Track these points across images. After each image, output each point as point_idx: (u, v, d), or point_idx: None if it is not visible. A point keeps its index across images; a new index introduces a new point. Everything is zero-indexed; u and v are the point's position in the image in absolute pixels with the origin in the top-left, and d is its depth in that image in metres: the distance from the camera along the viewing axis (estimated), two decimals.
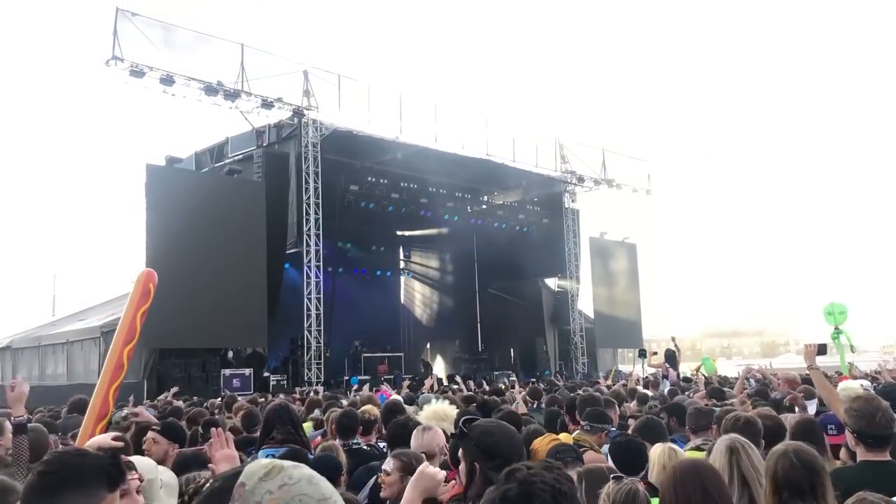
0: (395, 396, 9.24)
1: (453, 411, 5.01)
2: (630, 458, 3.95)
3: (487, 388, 13.98)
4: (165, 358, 18.72)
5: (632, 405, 8.27)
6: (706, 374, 15.36)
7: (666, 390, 11.04)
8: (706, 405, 6.96)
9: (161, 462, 4.26)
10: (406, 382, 15.94)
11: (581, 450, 4.75)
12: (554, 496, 1.99)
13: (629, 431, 4.97)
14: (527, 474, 2.06)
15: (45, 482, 2.09)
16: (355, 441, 5.60)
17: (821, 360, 5.92)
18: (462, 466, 2.91)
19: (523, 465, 2.15)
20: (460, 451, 2.96)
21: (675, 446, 3.90)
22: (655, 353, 16.69)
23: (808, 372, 5.89)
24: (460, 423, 3.01)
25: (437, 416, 4.96)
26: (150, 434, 4.68)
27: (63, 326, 23.09)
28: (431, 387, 13.00)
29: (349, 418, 5.80)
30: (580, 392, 9.09)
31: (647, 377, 18.45)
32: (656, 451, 3.73)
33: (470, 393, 11.02)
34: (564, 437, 4.93)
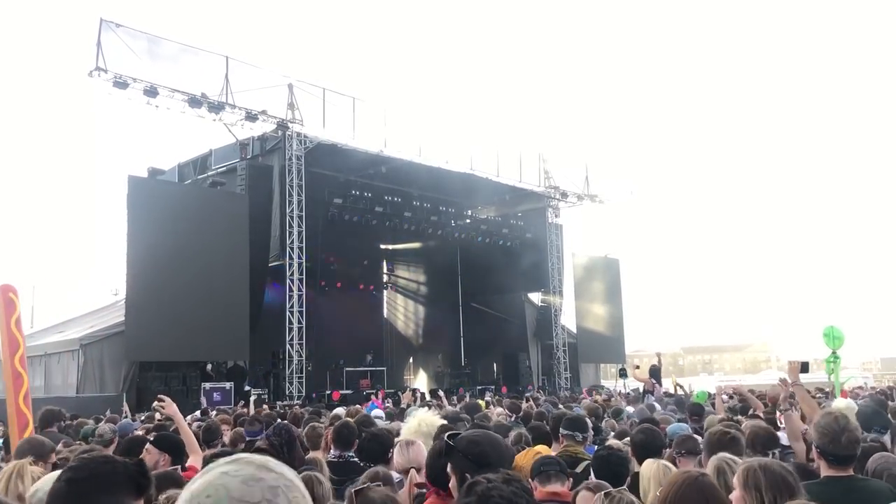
0: (377, 411, 9.25)
1: (437, 422, 5.04)
2: (612, 472, 3.94)
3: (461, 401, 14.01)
4: (145, 371, 18.56)
5: (610, 421, 8.30)
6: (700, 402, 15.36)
7: (651, 402, 11.11)
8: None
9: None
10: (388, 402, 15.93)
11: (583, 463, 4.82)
12: None
13: (628, 441, 4.98)
14: (485, 487, 2.09)
15: (75, 489, 2.08)
16: (350, 454, 5.57)
17: (803, 377, 5.99)
18: (452, 482, 2.92)
19: (483, 477, 2.16)
20: (449, 466, 2.97)
21: (668, 463, 3.90)
22: (638, 367, 16.75)
23: (791, 387, 5.95)
24: (445, 439, 3.05)
25: (420, 428, 4.97)
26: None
27: (41, 339, 22.78)
28: (414, 400, 12.99)
29: (349, 430, 5.75)
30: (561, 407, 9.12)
31: (628, 392, 18.57)
32: (650, 468, 3.72)
33: (451, 408, 11.00)
34: (543, 449, 4.94)
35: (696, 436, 5.34)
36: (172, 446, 4.86)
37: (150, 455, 4.60)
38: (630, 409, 10.49)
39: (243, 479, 1.28)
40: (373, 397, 14.30)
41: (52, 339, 21.82)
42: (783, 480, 2.78)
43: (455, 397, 18.53)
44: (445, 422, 5.39)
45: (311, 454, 5.75)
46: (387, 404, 14.62)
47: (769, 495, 2.73)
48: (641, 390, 14.99)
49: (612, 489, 3.07)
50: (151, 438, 4.95)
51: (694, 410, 8.10)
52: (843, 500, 3.32)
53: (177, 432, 5.37)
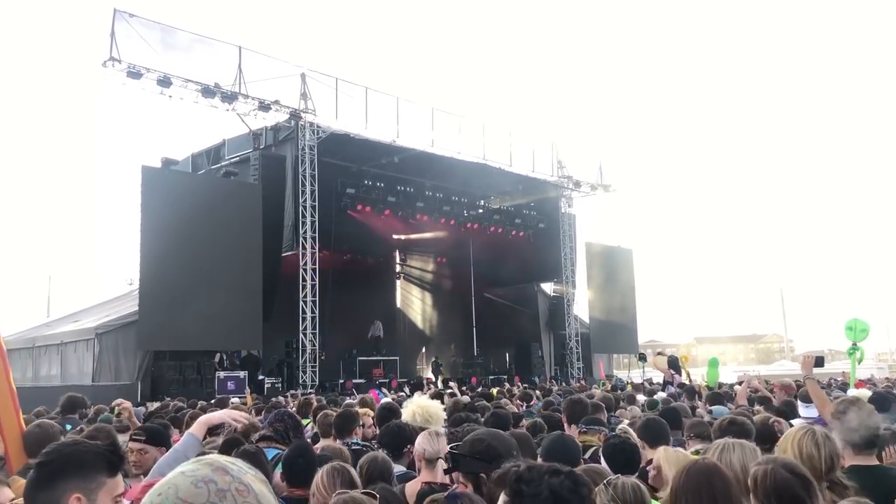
0: (385, 399, 9.27)
1: (433, 410, 5.08)
2: (624, 460, 4.05)
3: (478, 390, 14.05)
4: (160, 360, 18.68)
5: (632, 410, 8.28)
6: (709, 384, 15.35)
7: (667, 394, 11.10)
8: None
9: (149, 470, 4.19)
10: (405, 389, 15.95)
11: (591, 449, 4.98)
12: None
13: (633, 432, 5.05)
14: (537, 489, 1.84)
15: (44, 473, 2.15)
16: (354, 441, 5.61)
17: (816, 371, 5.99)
18: (469, 489, 2.91)
19: (530, 469, 1.94)
20: (460, 476, 2.99)
21: (681, 449, 3.93)
22: (661, 354, 16.50)
23: (804, 380, 5.97)
24: (449, 453, 3.05)
25: (415, 418, 5.01)
26: (133, 444, 4.39)
27: (57, 328, 23.00)
28: (427, 390, 13.06)
29: (342, 419, 5.83)
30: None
31: (642, 383, 18.52)
32: (664, 453, 3.73)
33: (463, 396, 11.03)
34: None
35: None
36: (165, 437, 4.70)
37: (149, 454, 4.31)
38: (641, 397, 10.47)
39: (194, 481, 1.29)
40: (372, 389, 14.30)
41: (67, 328, 22.01)
42: (792, 494, 2.73)
43: (466, 387, 18.56)
44: (443, 411, 5.43)
45: (322, 442, 5.78)
46: (401, 394, 14.64)
47: None
48: (662, 380, 14.96)
49: (611, 477, 3.06)
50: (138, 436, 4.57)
51: (714, 400, 8.10)
52: (867, 487, 3.29)
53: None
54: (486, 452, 2.88)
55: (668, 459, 3.67)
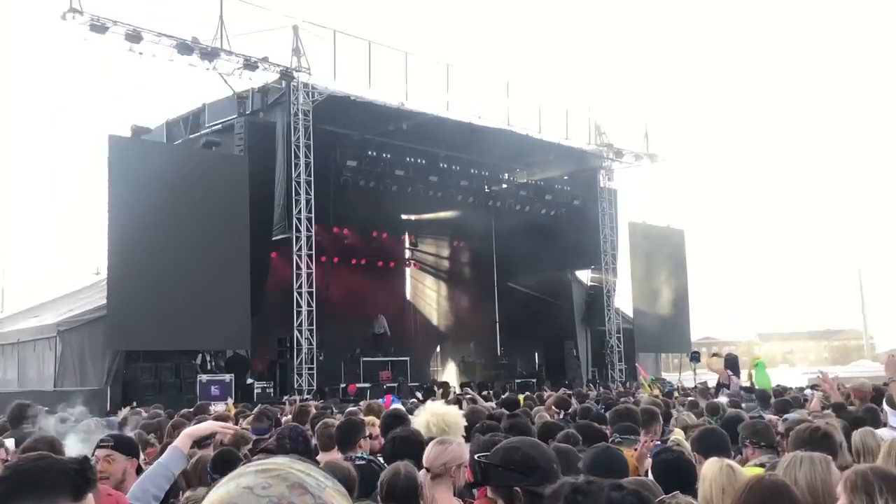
0: (396, 405, 9.29)
1: (451, 418, 5.04)
2: (677, 478, 3.88)
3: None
4: (132, 361, 18.79)
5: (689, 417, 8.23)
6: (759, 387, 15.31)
7: (727, 399, 11.06)
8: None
9: (122, 482, 4.25)
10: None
11: None
12: None
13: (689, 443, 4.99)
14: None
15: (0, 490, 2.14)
16: (359, 455, 5.55)
17: None
18: None
19: (588, 483, 1.98)
20: (489, 490, 2.98)
21: (732, 463, 3.85)
22: (716, 355, 16.27)
23: (886, 383, 5.92)
24: (477, 462, 3.02)
25: (430, 429, 4.97)
26: (100, 452, 4.43)
27: (13, 324, 23.21)
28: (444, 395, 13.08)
29: (345, 429, 5.81)
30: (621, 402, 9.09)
31: (695, 386, 18.45)
32: (712, 469, 3.66)
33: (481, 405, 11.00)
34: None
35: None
36: (135, 446, 4.86)
37: (118, 463, 4.41)
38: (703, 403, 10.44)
39: (269, 503, 1.19)
40: (388, 395, 14.39)
41: (25, 324, 22.20)
42: None
43: (491, 392, 18.55)
44: (463, 418, 5.38)
45: (322, 456, 5.77)
46: (413, 400, 14.67)
47: (883, 500, 2.72)
48: (716, 383, 14.83)
49: (664, 496, 3.02)
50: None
51: (781, 407, 8.04)
52: None
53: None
54: (521, 463, 2.83)
55: (709, 477, 3.60)
